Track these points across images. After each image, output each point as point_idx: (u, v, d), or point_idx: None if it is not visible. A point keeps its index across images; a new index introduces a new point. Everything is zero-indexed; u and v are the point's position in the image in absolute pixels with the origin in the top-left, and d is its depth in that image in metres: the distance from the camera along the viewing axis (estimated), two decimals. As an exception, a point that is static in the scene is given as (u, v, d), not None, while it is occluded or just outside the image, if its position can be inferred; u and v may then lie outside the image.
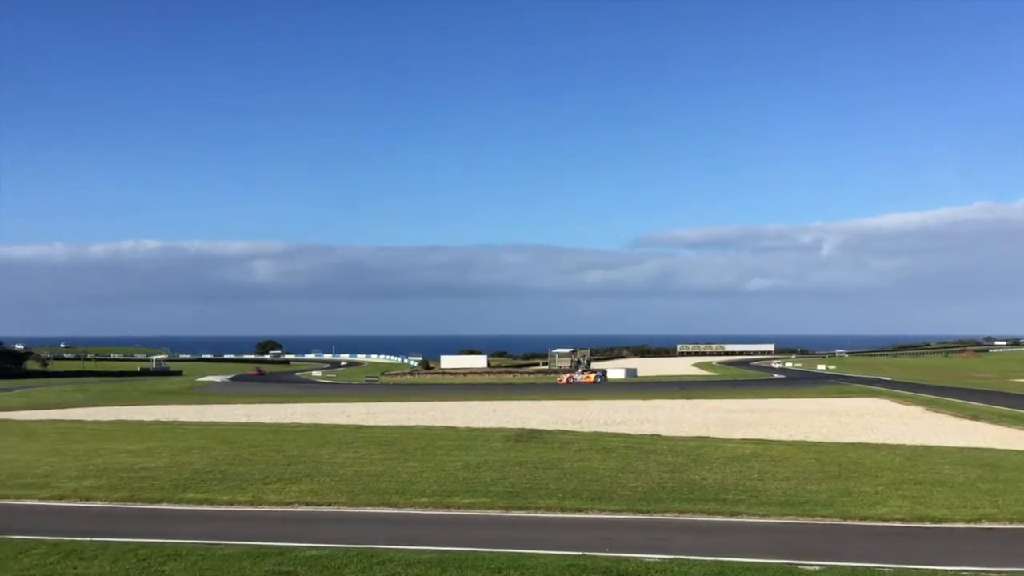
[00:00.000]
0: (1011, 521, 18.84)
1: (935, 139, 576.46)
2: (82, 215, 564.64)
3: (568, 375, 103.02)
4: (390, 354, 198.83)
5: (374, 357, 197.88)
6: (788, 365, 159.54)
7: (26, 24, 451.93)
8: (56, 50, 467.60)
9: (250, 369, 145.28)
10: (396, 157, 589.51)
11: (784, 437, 35.26)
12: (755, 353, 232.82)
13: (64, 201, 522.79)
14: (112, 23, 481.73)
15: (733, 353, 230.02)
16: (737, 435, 35.80)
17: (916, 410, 51.58)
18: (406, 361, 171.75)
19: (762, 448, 31.19)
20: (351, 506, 20.99)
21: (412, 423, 41.76)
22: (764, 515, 19.58)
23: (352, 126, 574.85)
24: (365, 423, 42.09)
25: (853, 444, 32.60)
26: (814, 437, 35.24)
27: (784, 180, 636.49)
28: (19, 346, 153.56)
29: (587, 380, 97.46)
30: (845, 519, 19.16)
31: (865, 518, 19.19)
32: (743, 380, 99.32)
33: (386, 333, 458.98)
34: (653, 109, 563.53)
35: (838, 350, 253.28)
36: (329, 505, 21.07)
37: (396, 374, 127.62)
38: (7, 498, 22.25)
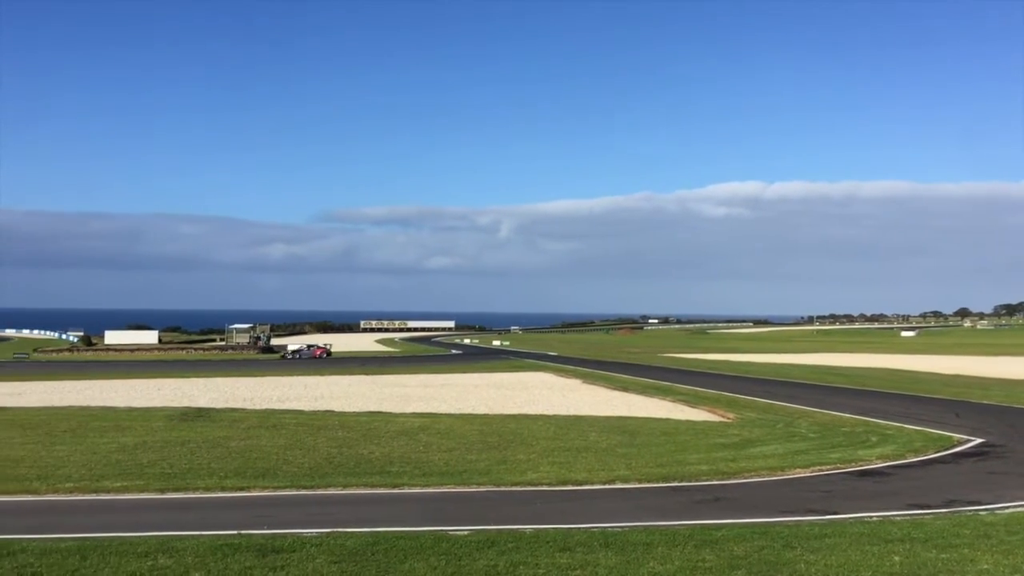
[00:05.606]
0: (640, 481, 21.07)
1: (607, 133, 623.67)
2: None
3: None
4: (45, 329, 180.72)
5: (25, 332, 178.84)
6: (467, 341, 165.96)
7: None
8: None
9: None
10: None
11: (452, 411, 36.76)
12: (436, 330, 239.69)
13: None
14: None
15: (416, 330, 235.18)
16: (409, 409, 36.77)
17: (575, 383, 55.88)
18: (64, 336, 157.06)
19: (430, 421, 32.30)
20: (-21, 495, 19.04)
21: (65, 403, 38.58)
22: (425, 485, 20.35)
23: None
24: (7, 404, 38.25)
25: (514, 416, 34.71)
26: (481, 410, 37.06)
27: (466, 164, 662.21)
28: None
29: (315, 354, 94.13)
30: (499, 486, 20.41)
31: (516, 484, 20.58)
32: (423, 356, 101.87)
33: (37, 306, 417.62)
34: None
35: (513, 327, 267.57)
36: (-46, 495, 18.96)
37: (51, 350, 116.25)
38: None
